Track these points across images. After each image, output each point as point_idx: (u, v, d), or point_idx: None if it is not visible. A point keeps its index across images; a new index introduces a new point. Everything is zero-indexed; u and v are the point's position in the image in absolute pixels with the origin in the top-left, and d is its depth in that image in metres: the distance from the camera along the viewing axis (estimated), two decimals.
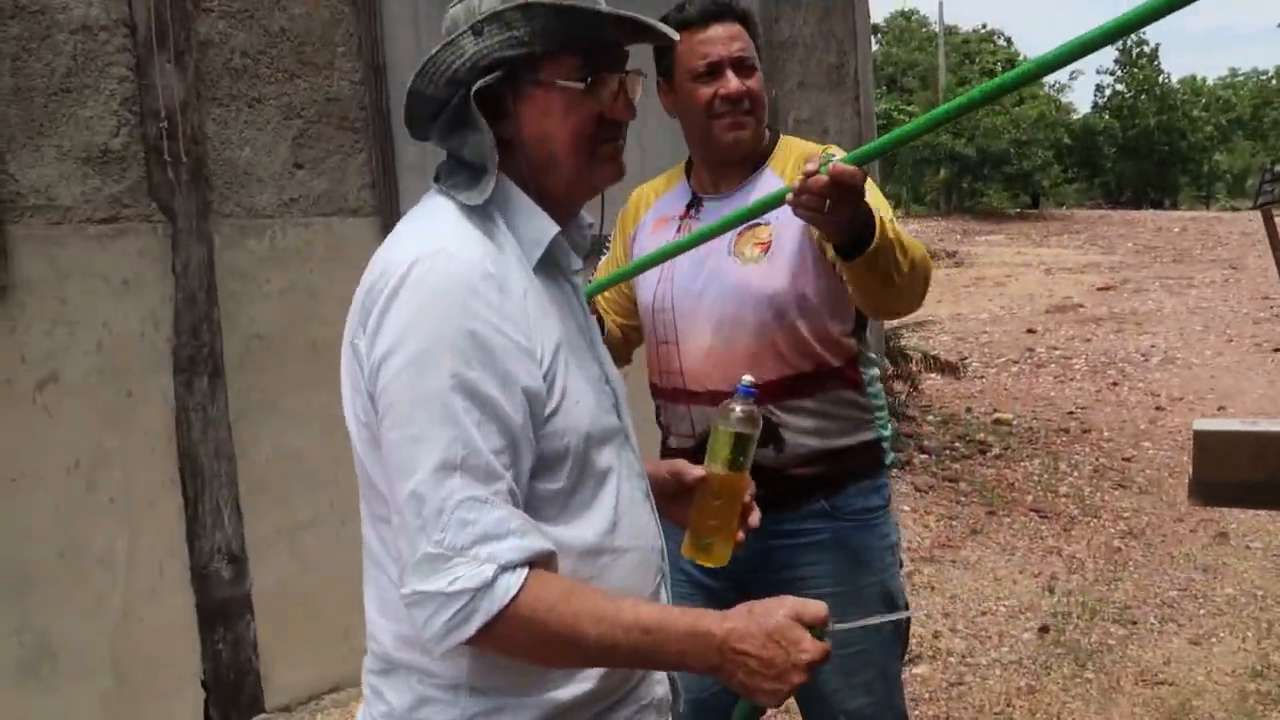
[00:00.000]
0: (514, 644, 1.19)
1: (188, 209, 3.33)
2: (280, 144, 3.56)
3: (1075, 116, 36.27)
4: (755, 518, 1.57)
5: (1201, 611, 4.42)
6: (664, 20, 1.99)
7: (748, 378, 1.58)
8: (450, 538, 1.16)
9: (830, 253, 1.87)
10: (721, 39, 2.04)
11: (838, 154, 2.07)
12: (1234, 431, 2.62)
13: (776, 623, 1.22)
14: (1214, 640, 4.17)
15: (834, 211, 1.66)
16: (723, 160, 2.11)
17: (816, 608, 1.25)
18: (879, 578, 2.11)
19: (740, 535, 1.56)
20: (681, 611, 1.24)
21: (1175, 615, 4.40)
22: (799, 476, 2.05)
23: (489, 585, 1.15)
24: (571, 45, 1.30)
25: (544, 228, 1.33)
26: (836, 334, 2.08)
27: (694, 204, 2.17)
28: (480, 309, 1.20)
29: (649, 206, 2.27)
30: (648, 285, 2.17)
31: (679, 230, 2.15)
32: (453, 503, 1.16)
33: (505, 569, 1.16)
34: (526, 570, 1.17)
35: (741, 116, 2.05)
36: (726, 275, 2.04)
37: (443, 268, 1.21)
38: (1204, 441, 2.62)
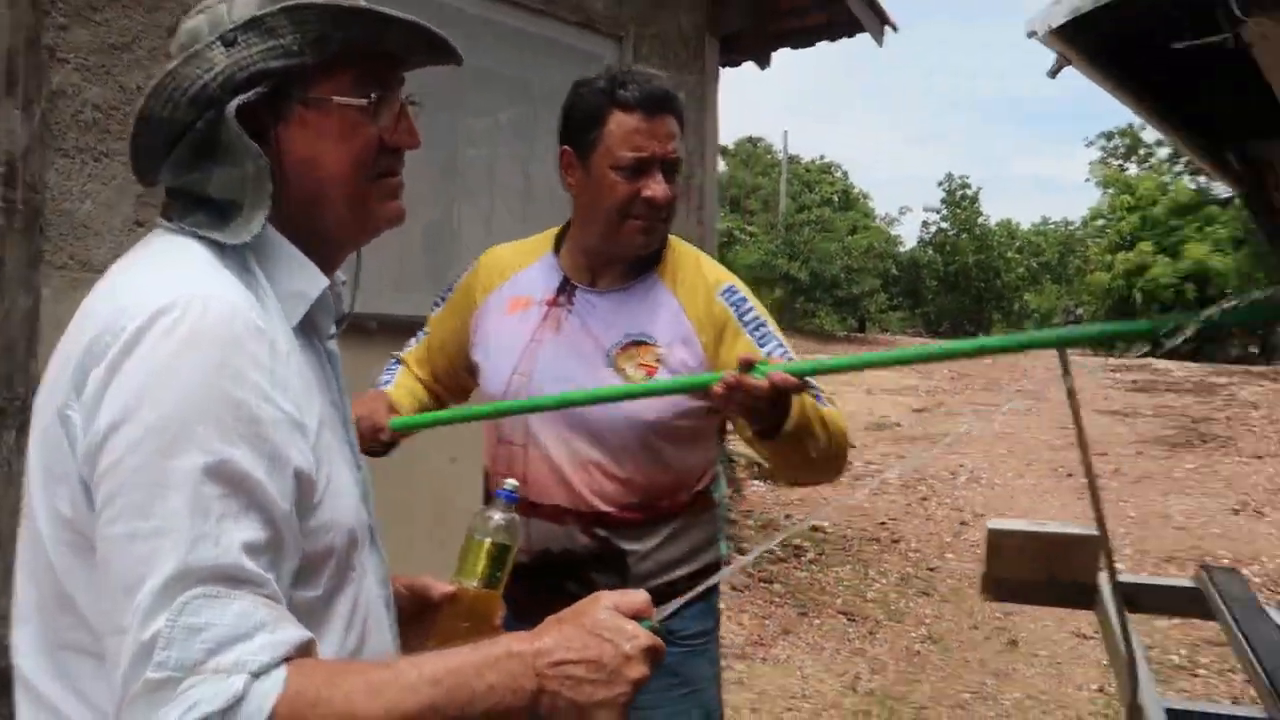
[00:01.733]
0: None
1: (17, 257, 3.24)
2: (123, 200, 3.52)
3: (902, 249, 38.45)
4: None
5: (991, 714, 4.67)
6: (594, 91, 1.84)
7: (511, 482, 1.40)
8: (177, 654, 0.89)
9: (746, 432, 1.76)
10: (660, 135, 1.82)
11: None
12: (1023, 532, 2.85)
13: (595, 619, 1.05)
14: None
15: (764, 411, 1.59)
16: (618, 260, 1.92)
17: (637, 596, 1.09)
18: (705, 709, 1.96)
19: None
20: (472, 648, 1.03)
21: (967, 716, 4.62)
22: None
23: (240, 701, 0.89)
24: (350, 56, 1.11)
25: (311, 279, 1.12)
26: (704, 463, 1.97)
27: (565, 289, 1.94)
28: (248, 371, 0.98)
29: (504, 279, 2.01)
30: (498, 374, 1.94)
31: (545, 318, 1.93)
32: (176, 608, 0.90)
33: (259, 675, 0.91)
34: (284, 669, 0.92)
35: (657, 223, 1.86)
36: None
37: (198, 317, 0.97)
38: (995, 540, 2.84)
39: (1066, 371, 1.71)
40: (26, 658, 1.06)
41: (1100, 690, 4.90)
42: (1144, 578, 3.75)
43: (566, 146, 1.89)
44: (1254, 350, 29.47)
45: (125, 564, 0.91)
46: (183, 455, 0.92)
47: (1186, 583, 2.93)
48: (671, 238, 1.99)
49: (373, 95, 1.12)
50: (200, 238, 1.07)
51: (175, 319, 0.96)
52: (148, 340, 0.96)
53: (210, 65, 1.07)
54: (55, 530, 0.99)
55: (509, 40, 4.68)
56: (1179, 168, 32.21)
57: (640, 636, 1.05)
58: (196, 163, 1.08)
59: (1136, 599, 2.89)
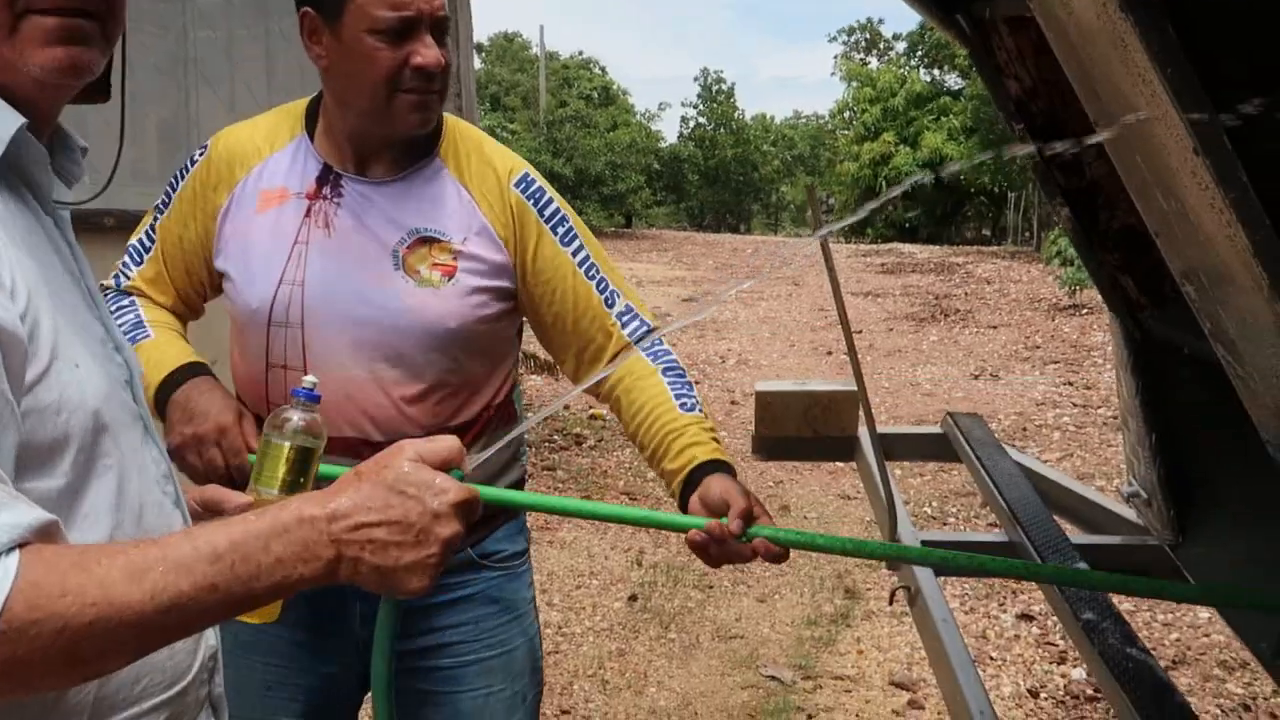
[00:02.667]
0: (24, 666, 0.78)
1: None
2: None
3: (664, 144, 38.88)
4: None
5: (767, 574, 4.93)
6: None
7: (309, 379, 1.26)
8: None
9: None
10: None
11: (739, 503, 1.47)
12: (788, 391, 2.96)
13: (398, 473, 0.95)
14: (777, 597, 4.67)
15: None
16: (390, 143, 1.65)
17: (446, 443, 1.00)
18: (528, 635, 1.83)
19: None
20: (258, 515, 0.91)
21: (745, 578, 4.87)
22: None
23: None
24: None
25: (1, 119, 0.93)
26: (506, 371, 1.79)
27: (328, 180, 1.66)
28: None
29: (247, 170, 1.70)
30: (261, 286, 1.65)
31: (309, 214, 1.65)
32: None
33: None
34: (17, 555, 0.79)
35: (431, 96, 1.58)
36: (393, 295, 1.62)
37: None
38: (764, 400, 2.93)
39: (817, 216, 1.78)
40: None
41: None
42: (899, 428, 4.01)
43: (308, 9, 1.56)
44: (986, 233, 31.78)
45: None
46: None
47: (935, 430, 3.15)
48: (447, 115, 1.73)
49: None
50: None
51: None
52: None
53: None
54: None
55: None
56: (914, 61, 33.84)
57: (450, 490, 0.96)
58: None
59: (893, 448, 3.07)
